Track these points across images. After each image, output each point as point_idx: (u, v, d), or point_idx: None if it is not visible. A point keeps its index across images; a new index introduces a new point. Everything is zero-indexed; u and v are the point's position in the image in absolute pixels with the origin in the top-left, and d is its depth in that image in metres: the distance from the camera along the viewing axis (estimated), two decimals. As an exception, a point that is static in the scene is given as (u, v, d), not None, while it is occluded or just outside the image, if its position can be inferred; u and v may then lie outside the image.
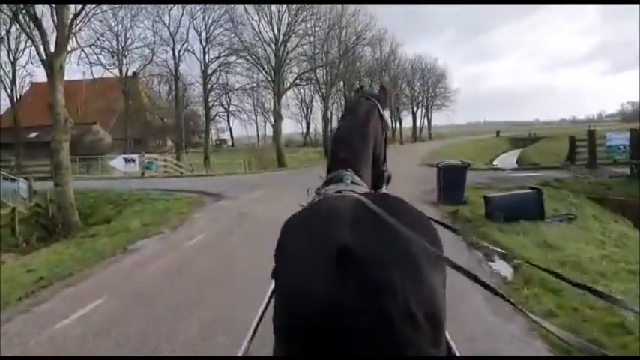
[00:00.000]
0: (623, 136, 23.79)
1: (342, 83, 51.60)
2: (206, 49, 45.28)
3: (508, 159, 57.98)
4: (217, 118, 65.95)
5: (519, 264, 7.59)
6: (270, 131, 67.18)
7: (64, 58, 14.20)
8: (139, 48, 45.93)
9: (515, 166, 41.84)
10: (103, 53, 44.26)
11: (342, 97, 56.83)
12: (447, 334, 1.74)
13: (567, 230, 10.67)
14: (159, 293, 7.05)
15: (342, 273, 1.49)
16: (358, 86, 3.25)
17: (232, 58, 44.61)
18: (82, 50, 17.77)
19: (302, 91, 71.82)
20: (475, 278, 1.74)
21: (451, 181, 14.18)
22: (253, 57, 40.99)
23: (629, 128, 24.66)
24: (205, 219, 13.29)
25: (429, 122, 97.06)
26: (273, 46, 39.16)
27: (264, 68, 40.53)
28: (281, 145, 39.95)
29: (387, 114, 2.88)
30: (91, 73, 39.25)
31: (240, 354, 2.25)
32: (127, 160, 29.07)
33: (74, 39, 15.75)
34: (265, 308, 2.35)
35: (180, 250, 9.72)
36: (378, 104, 2.83)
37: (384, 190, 2.91)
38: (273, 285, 1.97)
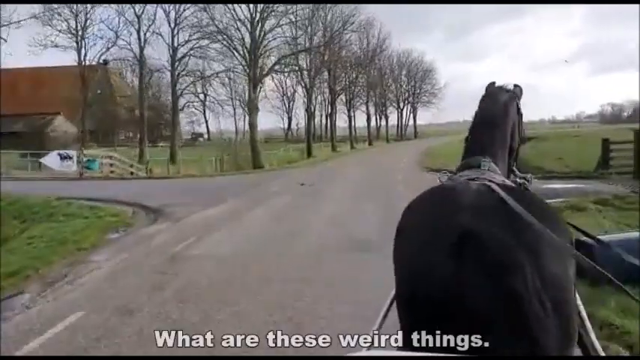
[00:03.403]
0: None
1: (327, 73, 46.92)
2: (175, 31, 40.42)
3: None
4: (193, 110, 61.67)
5: None
6: (249, 125, 62.44)
7: None
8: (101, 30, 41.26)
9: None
10: (60, 34, 39.89)
11: (327, 89, 52.39)
12: (593, 338, 1.81)
13: None
14: None
15: (462, 255, 1.50)
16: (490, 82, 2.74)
17: (205, 42, 39.62)
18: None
19: (284, 82, 67.75)
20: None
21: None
22: (227, 40, 35.90)
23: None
24: (111, 264, 8.17)
25: (415, 120, 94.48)
26: (249, 25, 33.98)
27: (238, 52, 35.38)
28: (257, 142, 34.91)
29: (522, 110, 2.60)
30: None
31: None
32: (62, 157, 23.77)
33: None
34: (392, 303, 2.07)
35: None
36: (517, 98, 2.58)
37: None
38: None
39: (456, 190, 1.83)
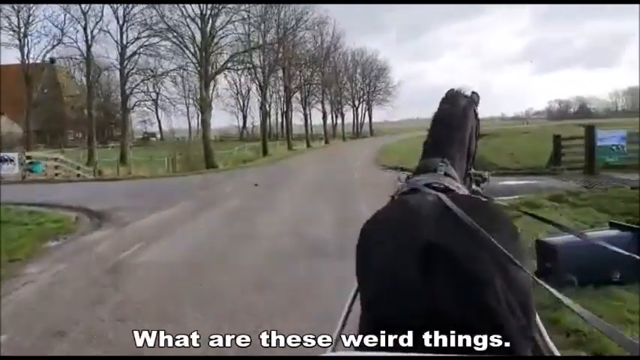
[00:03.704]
0: (617, 135, 20.53)
1: (281, 71, 46.41)
2: (123, 29, 38.99)
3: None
4: (145, 109, 60.20)
5: None
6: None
7: None
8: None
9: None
10: (2, 31, 38.19)
11: (282, 87, 51.88)
12: (549, 341, 1.88)
13: None
14: None
15: (430, 268, 1.51)
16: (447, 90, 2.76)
17: (155, 40, 38.45)
18: None
19: (238, 80, 66.97)
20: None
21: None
22: (177, 37, 34.95)
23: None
24: (45, 276, 7.52)
25: (370, 118, 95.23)
26: (199, 22, 33.11)
27: (189, 49, 34.53)
28: (209, 141, 34.11)
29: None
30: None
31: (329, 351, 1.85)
32: (2, 160, 22.51)
33: None
34: (352, 303, 2.12)
35: None
36: (475, 103, 2.70)
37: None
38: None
39: (416, 204, 1.83)
